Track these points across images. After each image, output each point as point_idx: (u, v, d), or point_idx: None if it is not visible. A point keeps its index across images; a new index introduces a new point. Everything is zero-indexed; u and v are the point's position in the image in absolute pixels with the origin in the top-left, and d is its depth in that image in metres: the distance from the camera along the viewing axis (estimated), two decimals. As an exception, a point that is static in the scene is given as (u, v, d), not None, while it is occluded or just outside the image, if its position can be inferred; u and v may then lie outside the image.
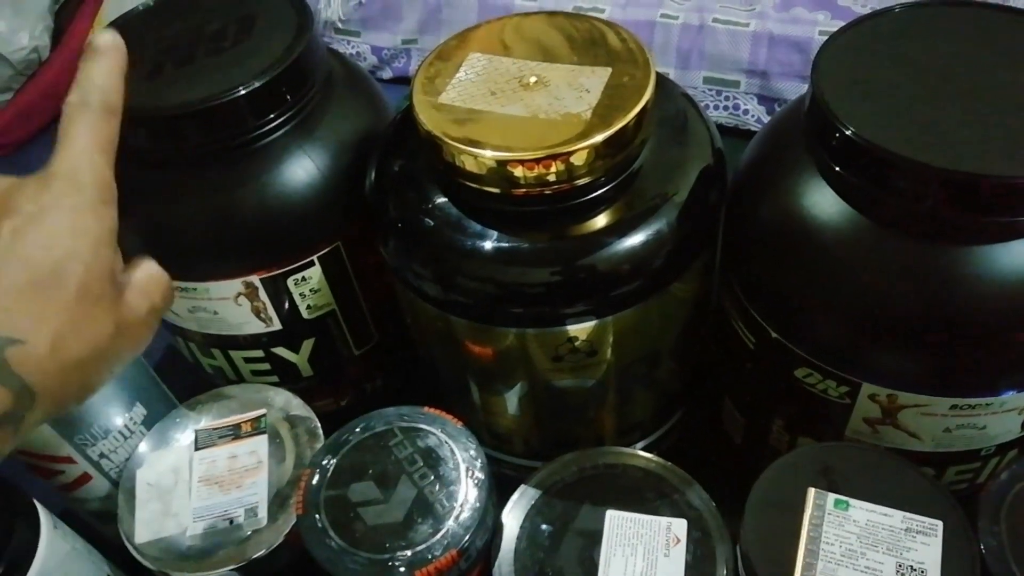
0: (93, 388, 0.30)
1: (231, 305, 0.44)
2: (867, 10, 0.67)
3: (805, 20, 0.67)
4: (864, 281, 0.34)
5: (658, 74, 0.45)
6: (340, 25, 0.80)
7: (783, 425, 0.42)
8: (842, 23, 0.39)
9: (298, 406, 0.45)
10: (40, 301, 0.27)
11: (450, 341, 0.42)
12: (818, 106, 0.34)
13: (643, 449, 0.48)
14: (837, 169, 0.34)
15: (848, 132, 0.32)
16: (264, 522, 0.41)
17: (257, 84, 0.39)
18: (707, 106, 0.70)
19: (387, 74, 0.81)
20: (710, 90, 0.70)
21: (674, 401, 0.48)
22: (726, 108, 0.70)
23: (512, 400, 0.44)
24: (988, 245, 0.32)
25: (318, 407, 0.51)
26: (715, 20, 0.68)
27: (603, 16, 0.71)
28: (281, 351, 0.47)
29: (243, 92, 0.39)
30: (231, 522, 0.41)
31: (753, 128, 0.69)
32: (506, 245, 0.38)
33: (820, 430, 0.40)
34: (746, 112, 0.69)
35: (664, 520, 0.39)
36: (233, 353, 0.48)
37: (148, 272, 0.32)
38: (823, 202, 0.35)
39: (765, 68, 0.67)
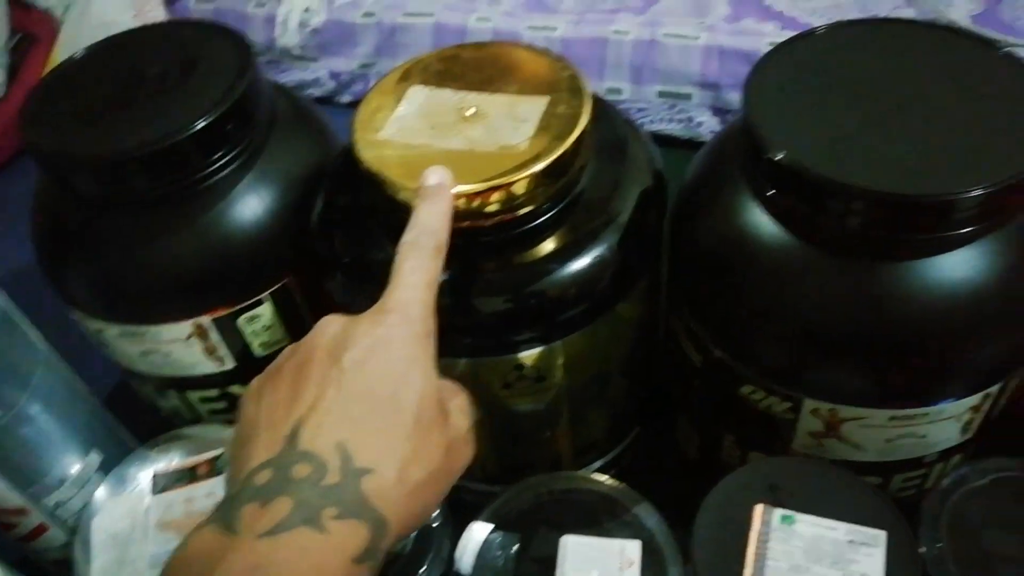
0: (431, 510, 0.31)
1: (182, 347, 0.44)
2: (817, 19, 0.69)
3: (754, 32, 0.68)
4: (799, 301, 0.35)
5: (600, 100, 0.46)
6: (297, 52, 0.80)
7: (734, 441, 0.43)
8: (792, 33, 0.40)
9: (256, 443, 0.45)
10: (384, 430, 0.28)
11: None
12: (749, 129, 0.35)
13: (601, 468, 0.48)
14: (769, 191, 0.35)
15: (775, 155, 0.33)
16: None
17: (199, 126, 0.40)
18: (662, 120, 0.71)
19: (346, 98, 0.81)
20: (664, 104, 0.71)
21: (629, 419, 0.48)
22: (680, 121, 0.71)
23: (467, 427, 0.44)
24: (916, 261, 0.33)
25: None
26: (666, 35, 0.69)
27: (556, 34, 0.72)
28: (236, 389, 0.47)
29: (185, 135, 0.39)
30: (190, 565, 0.41)
31: (708, 140, 0.70)
32: (452, 277, 0.38)
33: (769, 445, 0.41)
34: (700, 124, 0.70)
35: (618, 543, 0.39)
36: (189, 393, 0.48)
37: (455, 390, 0.33)
38: (757, 223, 0.35)
39: (717, 80, 0.68)
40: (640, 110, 0.71)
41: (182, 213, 0.41)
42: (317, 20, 0.78)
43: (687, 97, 0.70)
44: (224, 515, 0.26)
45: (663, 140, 0.72)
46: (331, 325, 0.31)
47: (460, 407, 0.32)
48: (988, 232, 0.33)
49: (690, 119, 0.70)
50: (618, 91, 0.72)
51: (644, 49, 0.69)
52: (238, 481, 0.27)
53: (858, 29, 0.39)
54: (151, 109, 0.41)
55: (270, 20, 0.80)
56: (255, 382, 0.31)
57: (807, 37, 0.38)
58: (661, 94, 0.70)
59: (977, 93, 0.35)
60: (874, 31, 0.38)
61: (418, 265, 0.32)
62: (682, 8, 0.72)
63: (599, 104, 0.45)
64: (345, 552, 0.26)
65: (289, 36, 0.79)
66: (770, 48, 0.39)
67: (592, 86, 0.72)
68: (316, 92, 0.82)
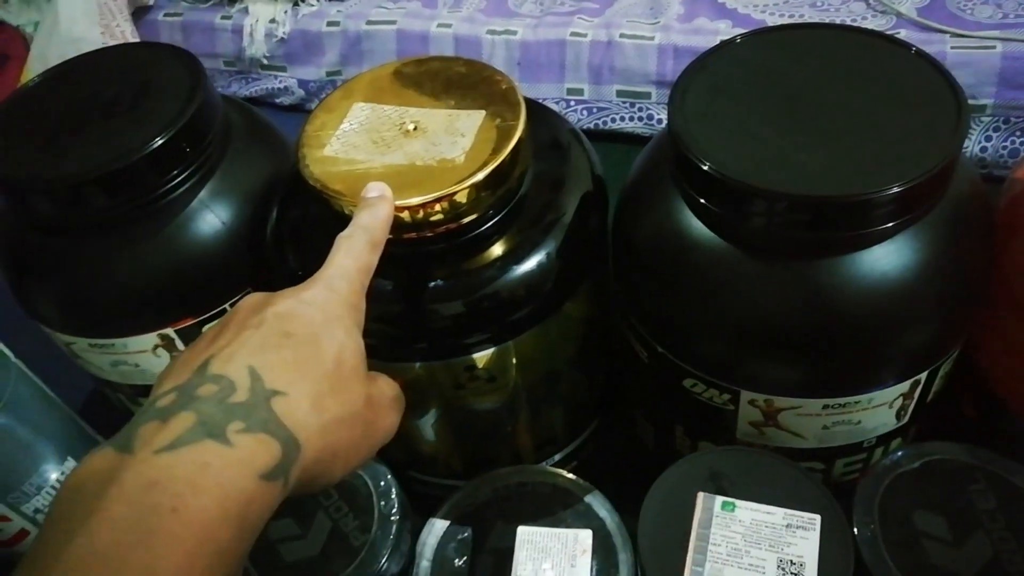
0: (354, 457, 0.30)
1: (150, 357, 0.45)
2: (769, 16, 0.70)
3: (707, 30, 0.69)
4: (730, 300, 0.36)
5: (545, 110, 0.47)
6: (265, 61, 0.82)
7: (684, 431, 0.44)
8: (744, 30, 0.41)
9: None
10: (300, 363, 0.28)
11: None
12: (673, 137, 0.36)
13: (561, 460, 0.50)
14: (696, 196, 0.36)
15: (698, 162, 0.35)
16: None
17: (153, 146, 0.41)
18: (623, 118, 0.72)
19: (315, 105, 0.82)
20: (624, 103, 0.72)
21: (587, 412, 0.50)
22: (640, 119, 0.72)
23: (426, 427, 0.45)
24: (837, 258, 0.35)
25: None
26: (622, 35, 0.70)
27: (516, 37, 0.74)
28: (206, 396, 0.49)
29: (139, 155, 0.41)
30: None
31: (668, 136, 0.71)
32: (404, 286, 0.40)
33: (715, 434, 0.42)
34: (659, 122, 0.71)
35: (571, 532, 0.41)
36: (159, 402, 0.49)
37: (384, 377, 0.33)
38: (687, 226, 0.37)
39: (673, 78, 0.69)
40: (601, 109, 0.73)
41: (140, 231, 0.42)
42: (283, 30, 0.79)
43: (646, 96, 0.71)
44: (122, 436, 0.25)
45: (625, 137, 0.73)
46: (253, 295, 0.31)
47: (387, 380, 0.33)
48: (906, 227, 0.35)
49: (650, 116, 0.72)
50: (579, 91, 0.73)
51: (602, 50, 0.71)
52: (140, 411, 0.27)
53: (779, 35, 0.40)
54: (106, 131, 0.43)
55: (237, 31, 0.81)
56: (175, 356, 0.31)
57: (731, 44, 0.40)
58: (620, 93, 0.71)
59: (892, 93, 0.36)
60: (795, 37, 0.40)
61: (348, 252, 0.32)
62: (638, 9, 0.73)
63: (542, 112, 0.46)
64: (252, 466, 0.25)
65: (256, 47, 0.80)
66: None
67: (554, 87, 0.74)
68: (286, 100, 0.83)
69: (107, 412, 0.54)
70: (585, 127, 0.73)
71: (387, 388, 0.33)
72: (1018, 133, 0.64)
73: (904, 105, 0.36)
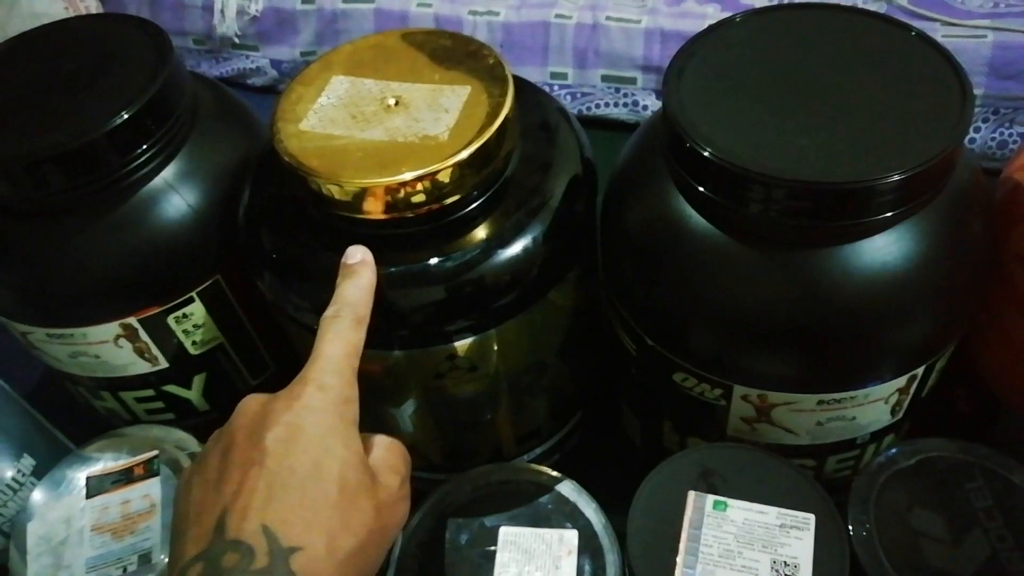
0: (371, 572, 0.31)
1: (112, 348, 0.43)
2: (758, 2, 0.69)
3: (695, 14, 0.68)
4: (723, 291, 0.35)
5: (532, 87, 0.45)
6: (237, 40, 0.79)
7: (672, 426, 0.43)
8: (731, 13, 0.39)
9: (191, 443, 0.45)
10: (309, 505, 0.29)
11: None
12: (668, 121, 0.34)
13: (545, 452, 0.48)
14: (690, 181, 0.35)
15: (694, 146, 0.33)
16: (159, 567, 0.40)
17: (115, 122, 0.38)
18: (607, 104, 0.71)
19: (289, 87, 0.80)
20: (609, 87, 0.70)
21: (571, 404, 0.48)
22: (626, 105, 0.70)
23: (404, 417, 0.44)
24: (836, 247, 0.33)
25: (220, 440, 0.50)
26: (608, 18, 0.69)
27: (498, 19, 0.71)
28: (172, 388, 0.46)
29: (100, 132, 0.38)
30: (124, 570, 0.40)
31: (653, 123, 0.70)
32: (382, 270, 0.38)
33: (705, 430, 0.41)
34: (645, 108, 0.70)
35: (556, 532, 0.39)
36: (123, 394, 0.47)
37: (386, 446, 0.34)
38: (680, 213, 0.35)
39: (660, 63, 0.68)
40: (585, 94, 0.71)
41: (101, 213, 0.40)
42: (255, 8, 0.76)
43: (631, 81, 0.69)
44: None
45: (610, 124, 0.72)
46: (250, 405, 0.32)
47: (389, 465, 0.33)
48: (906, 216, 0.33)
49: (635, 102, 0.70)
50: (563, 75, 0.71)
51: (587, 33, 0.69)
52: None
53: (776, 15, 0.39)
54: (65, 107, 0.40)
55: (208, 8, 0.78)
56: (186, 472, 0.32)
57: (726, 25, 0.38)
58: (605, 78, 0.70)
59: (893, 77, 0.35)
60: (792, 17, 0.38)
61: (335, 336, 0.33)
62: (624, -9, 0.71)
63: (530, 91, 0.44)
64: None
65: (228, 25, 0.77)
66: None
67: (537, 71, 0.72)
68: (258, 81, 0.81)
69: (60, 399, 0.51)
70: (569, 112, 0.71)
71: (392, 480, 0.32)
72: (1007, 124, 0.63)
73: (906, 90, 0.34)
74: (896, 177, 0.31)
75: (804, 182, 0.31)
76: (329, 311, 0.34)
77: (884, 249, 0.33)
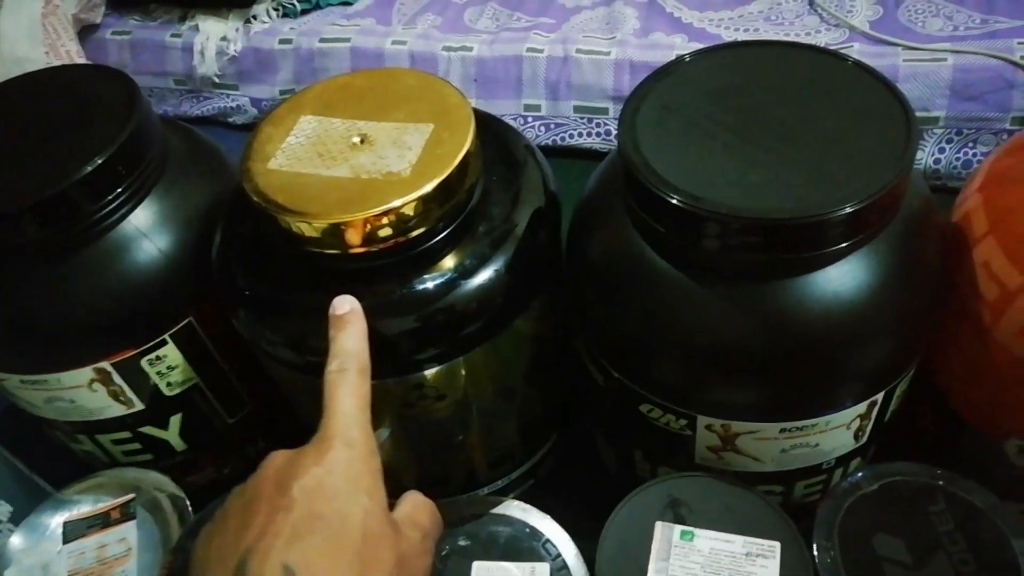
0: None
1: (86, 392, 0.43)
2: (724, 31, 0.70)
3: (663, 45, 0.69)
4: (682, 324, 0.35)
5: (499, 123, 0.46)
6: (217, 80, 0.80)
7: (643, 455, 0.43)
8: (700, 45, 0.40)
9: (168, 485, 0.45)
10: (331, 549, 0.29)
11: (312, 398, 0.42)
12: (622, 159, 0.35)
13: (518, 478, 0.49)
14: (646, 218, 0.35)
15: (647, 184, 0.34)
16: (134, 610, 0.41)
17: (87, 170, 0.39)
18: (581, 134, 0.72)
19: (269, 124, 0.81)
20: (581, 118, 0.72)
21: (543, 429, 0.49)
22: (599, 135, 0.71)
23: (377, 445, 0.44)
24: (788, 279, 0.34)
25: (200, 479, 0.51)
26: (579, 51, 0.70)
27: (472, 53, 0.73)
28: (149, 430, 0.47)
29: (73, 180, 0.39)
30: (100, 614, 0.41)
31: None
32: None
33: (674, 459, 0.41)
34: (618, 137, 0.71)
35: (528, 565, 0.39)
36: (100, 437, 0.47)
37: (413, 503, 0.34)
38: (637, 248, 0.36)
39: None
40: (559, 125, 0.72)
41: (73, 259, 0.41)
42: (234, 48, 0.78)
43: (603, 111, 0.70)
44: None
45: (583, 153, 0.73)
46: (276, 460, 0.32)
47: (413, 520, 0.33)
48: (859, 246, 0.34)
49: (608, 132, 0.71)
50: (536, 107, 0.72)
51: (558, 65, 0.70)
52: None
53: (726, 53, 0.40)
54: (39, 157, 0.41)
55: (187, 49, 0.79)
56: (206, 529, 0.32)
57: (681, 63, 0.39)
58: (578, 109, 0.71)
59: (840, 109, 0.36)
60: (741, 55, 0.39)
61: (348, 391, 0.33)
62: (594, 24, 0.73)
63: (496, 125, 0.45)
64: None
65: (207, 65, 0.78)
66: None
67: (511, 103, 0.73)
68: (239, 119, 0.82)
69: (39, 441, 0.51)
70: (543, 143, 0.72)
71: (414, 534, 0.33)
72: (970, 144, 0.64)
73: (853, 121, 0.35)
74: (845, 210, 0.32)
75: (754, 218, 0.32)
76: (332, 366, 0.34)
77: (837, 279, 0.34)
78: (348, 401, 0.33)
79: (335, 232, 0.36)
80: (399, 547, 0.31)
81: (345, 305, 0.35)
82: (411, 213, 0.36)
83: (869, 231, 0.34)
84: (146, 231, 0.42)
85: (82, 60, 0.77)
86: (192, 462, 0.49)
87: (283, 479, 0.30)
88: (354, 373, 0.34)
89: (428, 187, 0.36)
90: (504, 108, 0.73)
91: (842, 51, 0.40)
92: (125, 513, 0.44)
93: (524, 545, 0.40)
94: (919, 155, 0.65)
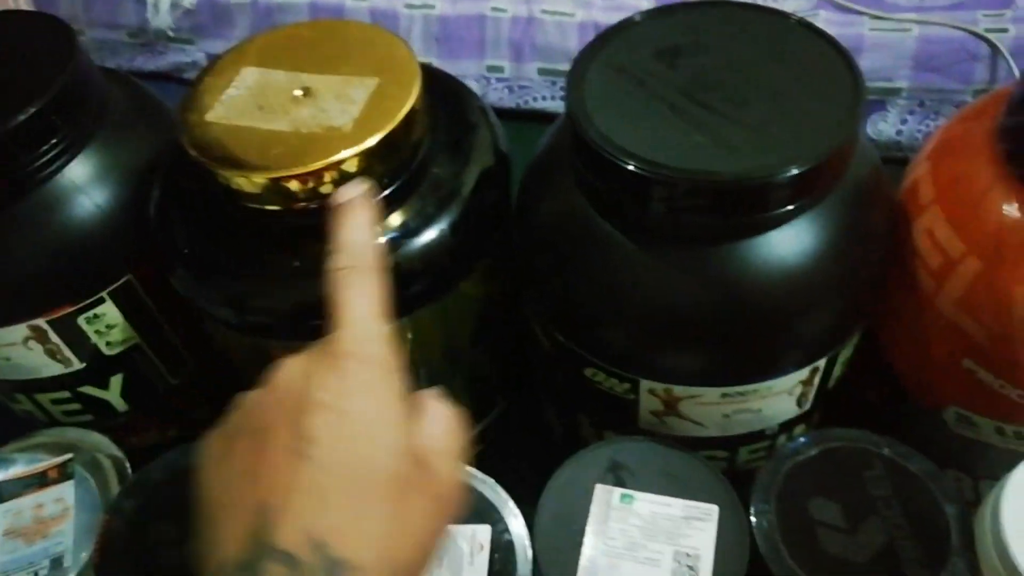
0: (425, 570, 0.27)
1: (21, 350, 0.42)
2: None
3: (629, 7, 0.68)
4: (625, 288, 0.35)
5: (453, 80, 0.45)
6: (171, 34, 0.78)
7: (588, 420, 0.43)
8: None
9: (109, 446, 0.44)
10: (362, 510, 0.25)
11: (254, 359, 0.41)
12: (569, 119, 0.35)
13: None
14: (592, 179, 0.35)
15: (593, 145, 0.33)
16: (71, 572, 0.40)
17: (18, 119, 0.38)
18: (544, 97, 0.71)
19: (227, 81, 0.79)
20: (545, 81, 0.70)
21: (490, 393, 0.49)
22: (562, 99, 0.70)
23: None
24: (732, 243, 0.33)
25: (143, 441, 0.50)
26: (543, 11, 0.69)
27: (434, 12, 0.71)
28: (88, 390, 0.46)
29: (3, 129, 0.37)
30: (36, 574, 0.40)
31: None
32: (295, 260, 0.37)
33: (618, 424, 0.41)
34: (581, 101, 0.70)
35: (468, 528, 0.39)
36: (38, 396, 0.46)
37: (444, 424, 0.29)
38: (582, 211, 0.36)
39: (595, 57, 0.68)
40: (522, 87, 0.71)
41: (4, 212, 0.39)
42: (189, 1, 0.75)
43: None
44: None
45: (548, 117, 0.71)
46: (287, 373, 0.27)
47: (443, 447, 0.28)
48: (804, 211, 0.34)
49: (572, 96, 0.70)
50: (500, 69, 0.71)
51: (522, 26, 0.69)
52: None
53: (681, 14, 0.39)
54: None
55: (142, 2, 0.77)
56: (209, 440, 0.28)
57: (631, 23, 0.38)
58: (541, 71, 0.70)
59: (790, 71, 0.35)
60: (691, 16, 0.39)
61: (360, 292, 0.28)
62: (560, -16, 0.71)
63: (448, 82, 0.44)
64: None
65: (161, 18, 0.76)
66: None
67: (474, 64, 0.72)
68: (194, 75, 0.79)
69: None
70: (507, 106, 0.71)
71: (446, 464, 0.28)
72: (933, 116, 0.64)
73: (804, 85, 0.35)
74: (790, 172, 0.32)
75: (696, 180, 0.32)
76: (337, 261, 0.29)
77: (780, 244, 0.34)
78: (359, 306, 0.28)
79: (274, 187, 0.35)
80: (432, 489, 0.27)
81: (350, 189, 0.31)
82: (353, 169, 0.35)
83: (814, 195, 0.34)
84: (82, 185, 0.40)
85: (28, 8, 0.75)
86: (135, 423, 0.49)
87: (296, 412, 0.26)
88: (364, 269, 0.29)
89: (370, 142, 0.35)
90: (467, 69, 0.71)
91: (806, 18, 0.40)
92: (63, 473, 0.43)
93: (466, 507, 0.40)
94: (882, 126, 0.65)
